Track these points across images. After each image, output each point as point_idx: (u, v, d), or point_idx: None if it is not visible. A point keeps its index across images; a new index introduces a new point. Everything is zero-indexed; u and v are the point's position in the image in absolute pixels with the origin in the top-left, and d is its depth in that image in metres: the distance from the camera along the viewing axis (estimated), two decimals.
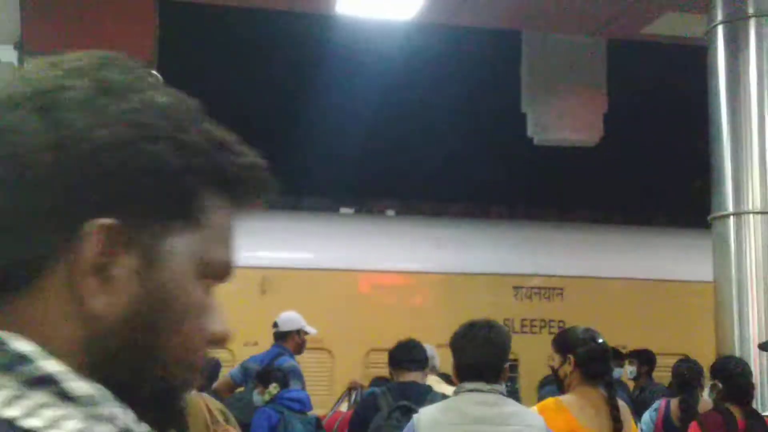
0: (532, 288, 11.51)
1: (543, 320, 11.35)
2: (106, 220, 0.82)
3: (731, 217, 7.39)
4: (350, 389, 8.01)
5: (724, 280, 7.44)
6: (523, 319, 11.30)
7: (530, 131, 9.91)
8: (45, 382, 0.77)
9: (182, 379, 0.89)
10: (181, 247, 0.86)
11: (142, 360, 0.86)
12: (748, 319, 7.26)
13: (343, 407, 7.85)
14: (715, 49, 7.69)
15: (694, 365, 7.48)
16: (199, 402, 5.01)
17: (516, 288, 11.39)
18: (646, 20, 8.93)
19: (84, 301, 0.81)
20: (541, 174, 12.42)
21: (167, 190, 0.86)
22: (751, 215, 7.30)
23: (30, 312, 0.83)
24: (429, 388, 5.51)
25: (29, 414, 0.75)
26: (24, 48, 7.46)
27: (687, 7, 8.32)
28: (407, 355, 5.82)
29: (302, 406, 6.56)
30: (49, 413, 0.76)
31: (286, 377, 6.94)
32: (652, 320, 11.38)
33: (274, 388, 6.72)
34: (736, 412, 5.18)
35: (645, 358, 9.30)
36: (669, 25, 8.96)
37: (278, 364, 7.39)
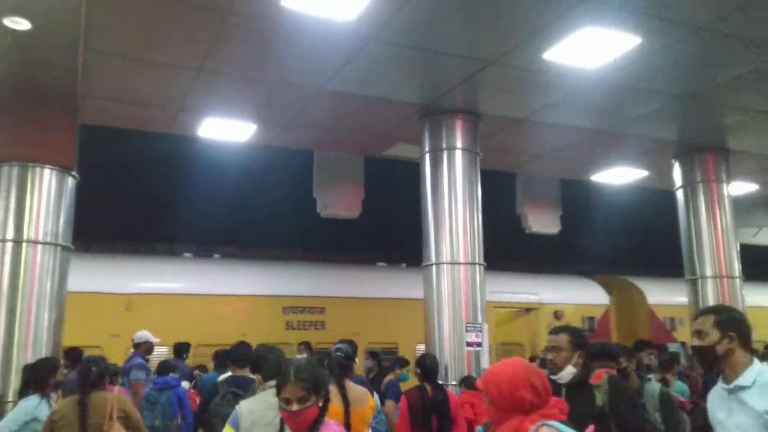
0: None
1: None
2: None
3: (433, 266, 7.77)
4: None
5: (429, 303, 7.75)
6: None
7: (319, 209, 9.93)
8: None
9: None
10: None
11: None
12: (442, 324, 7.56)
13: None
14: (425, 166, 8.14)
15: (400, 358, 8.06)
16: (108, 399, 4.47)
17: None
18: (387, 146, 9.30)
19: None
20: (324, 233, 12.34)
21: None
22: (444, 265, 7.69)
23: None
24: (252, 380, 5.30)
25: None
26: None
27: (409, 141, 8.71)
28: (239, 355, 5.63)
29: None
30: None
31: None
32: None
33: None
34: (428, 387, 5.43)
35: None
36: (401, 150, 9.34)
37: (131, 361, 7.42)
